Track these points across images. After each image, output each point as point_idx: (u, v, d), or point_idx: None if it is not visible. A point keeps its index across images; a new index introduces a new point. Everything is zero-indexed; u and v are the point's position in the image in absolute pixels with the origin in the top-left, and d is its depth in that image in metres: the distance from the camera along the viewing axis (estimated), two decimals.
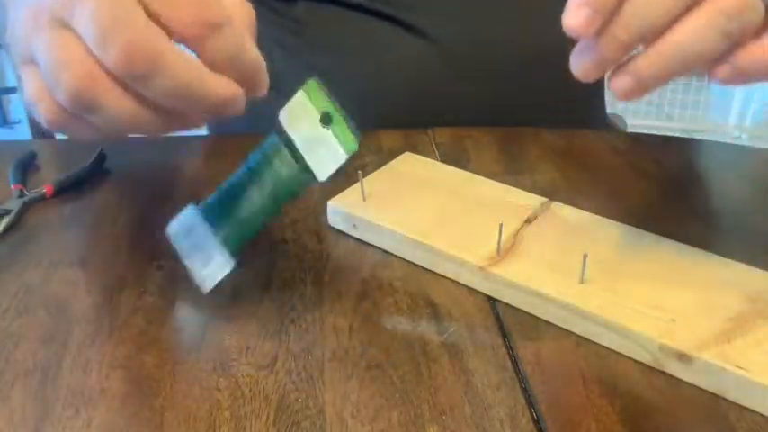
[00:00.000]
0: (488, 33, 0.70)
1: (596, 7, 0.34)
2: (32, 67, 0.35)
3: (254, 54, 0.36)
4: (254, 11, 0.38)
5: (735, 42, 0.35)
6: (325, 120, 0.38)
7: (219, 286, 0.44)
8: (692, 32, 0.34)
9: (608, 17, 0.35)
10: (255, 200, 0.41)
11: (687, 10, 0.35)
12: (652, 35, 0.35)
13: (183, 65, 0.33)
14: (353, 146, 0.39)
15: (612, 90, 0.37)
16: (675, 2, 0.34)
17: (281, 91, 0.76)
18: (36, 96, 0.35)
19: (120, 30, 0.31)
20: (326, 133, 0.38)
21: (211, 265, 0.40)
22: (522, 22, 0.71)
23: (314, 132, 0.38)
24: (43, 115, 0.35)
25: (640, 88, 0.36)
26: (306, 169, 0.40)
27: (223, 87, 0.34)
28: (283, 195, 0.41)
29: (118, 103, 0.33)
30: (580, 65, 0.37)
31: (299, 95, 0.38)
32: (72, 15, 0.33)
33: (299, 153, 0.40)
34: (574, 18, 0.35)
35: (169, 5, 0.32)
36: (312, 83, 0.38)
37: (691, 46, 0.35)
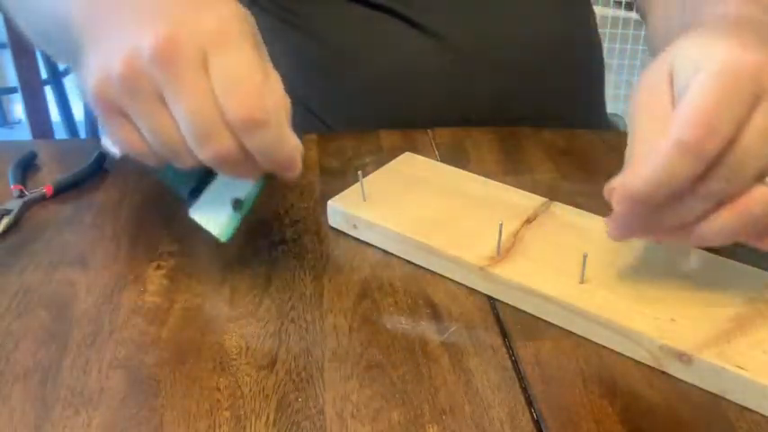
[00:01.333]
0: (491, 31, 0.70)
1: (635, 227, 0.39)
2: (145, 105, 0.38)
3: (289, 147, 0.39)
4: (289, 100, 0.41)
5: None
6: (236, 205, 0.44)
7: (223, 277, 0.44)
8: (724, 231, 0.37)
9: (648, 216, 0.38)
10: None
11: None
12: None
13: (281, 127, 0.38)
14: (226, 237, 0.45)
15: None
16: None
17: (286, 89, 0.75)
18: (130, 141, 0.40)
19: (247, 85, 0.37)
20: (228, 210, 0.44)
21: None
22: (524, 19, 0.71)
23: (222, 199, 0.44)
24: (126, 149, 0.41)
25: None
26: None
27: (295, 151, 0.40)
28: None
29: (231, 149, 0.38)
30: (610, 232, 0.41)
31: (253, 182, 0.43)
32: (214, 58, 0.37)
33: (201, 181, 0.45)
34: (613, 231, 0.41)
35: (228, 97, 0.37)
36: (264, 184, 0.43)
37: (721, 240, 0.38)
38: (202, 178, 0.45)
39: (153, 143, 0.39)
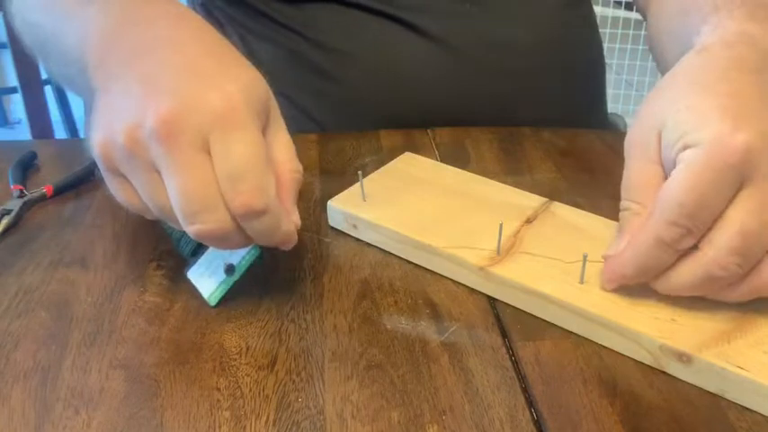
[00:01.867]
0: (490, 34, 0.70)
1: (630, 281, 0.42)
2: (144, 171, 0.38)
3: (284, 231, 0.41)
4: (300, 169, 0.42)
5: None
6: (228, 270, 0.45)
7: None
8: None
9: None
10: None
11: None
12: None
13: (278, 213, 0.40)
14: (214, 302, 0.45)
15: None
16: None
17: (284, 93, 0.76)
18: (128, 200, 0.41)
19: (250, 174, 0.37)
20: (220, 275, 0.45)
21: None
22: (524, 22, 0.71)
23: (217, 263, 0.45)
24: (124, 204, 0.41)
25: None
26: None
27: (291, 233, 0.41)
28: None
29: (224, 228, 0.39)
30: (603, 285, 0.43)
31: (250, 247, 0.44)
32: (217, 141, 0.37)
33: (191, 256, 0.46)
34: (609, 286, 0.43)
35: (229, 185, 0.37)
36: (258, 254, 0.44)
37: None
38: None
39: (149, 207, 0.40)
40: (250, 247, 0.44)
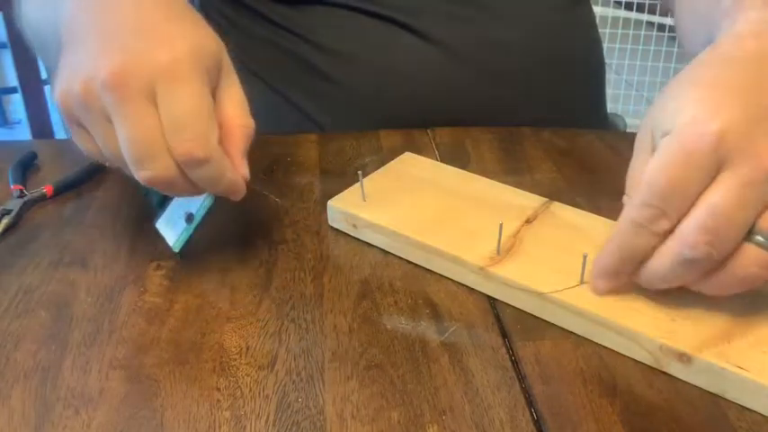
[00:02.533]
0: (490, 36, 0.70)
1: (613, 277, 0.42)
2: (99, 119, 0.41)
3: (227, 179, 0.43)
4: (252, 124, 0.45)
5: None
6: (188, 219, 0.47)
7: (216, 283, 0.44)
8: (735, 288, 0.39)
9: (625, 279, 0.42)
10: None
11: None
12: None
13: (221, 162, 0.42)
14: (177, 249, 0.48)
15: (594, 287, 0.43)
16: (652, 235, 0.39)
17: (283, 94, 0.76)
18: (87, 148, 0.43)
19: (192, 125, 0.40)
20: (181, 225, 0.48)
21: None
22: (525, 23, 0.71)
23: (179, 213, 0.48)
24: (86, 153, 0.44)
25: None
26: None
27: (236, 182, 0.44)
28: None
29: (169, 174, 0.41)
30: (595, 289, 0.43)
31: (205, 196, 0.46)
32: (162, 92, 0.40)
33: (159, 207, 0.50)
34: (596, 284, 0.43)
35: (173, 134, 0.40)
36: (212, 202, 0.47)
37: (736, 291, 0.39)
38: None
39: (104, 154, 0.43)
40: (205, 195, 0.46)
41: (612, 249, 0.41)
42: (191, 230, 0.47)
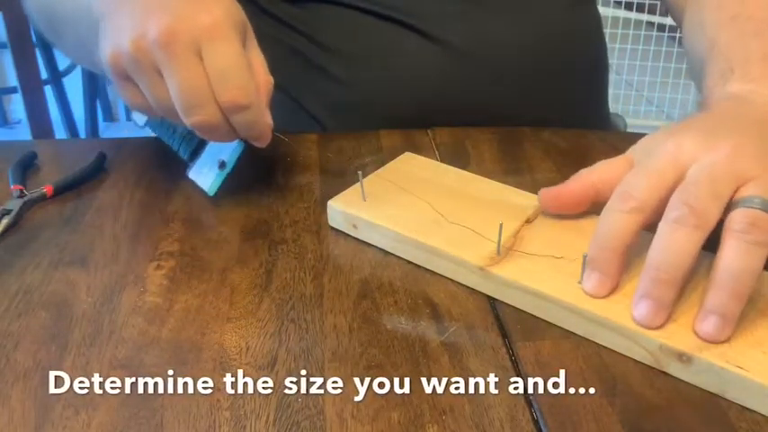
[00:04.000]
0: (493, 35, 0.70)
1: (601, 269, 0.42)
2: (154, 76, 0.47)
3: (263, 124, 0.49)
4: (272, 81, 0.50)
5: None
6: (221, 165, 0.54)
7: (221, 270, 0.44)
8: (730, 258, 0.39)
9: (617, 275, 0.43)
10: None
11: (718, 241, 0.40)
12: (689, 266, 0.40)
13: (259, 108, 0.48)
14: (212, 192, 0.55)
15: (705, 337, 0.40)
16: (694, 232, 0.40)
17: (286, 91, 0.76)
18: (135, 101, 0.49)
19: (235, 75, 0.46)
20: (215, 170, 0.54)
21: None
22: (526, 23, 0.71)
23: (212, 162, 0.54)
24: (132, 106, 0.50)
25: (729, 322, 0.39)
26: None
27: (267, 127, 0.50)
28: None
29: (215, 119, 0.47)
30: (640, 315, 0.41)
31: (237, 144, 0.53)
32: (207, 49, 0.45)
33: (199, 145, 0.56)
34: (587, 283, 0.43)
35: (219, 82, 0.46)
36: (243, 148, 0.53)
37: (741, 267, 0.39)
38: (199, 144, 0.55)
39: (153, 105, 0.48)
40: (236, 143, 0.52)
41: (593, 239, 0.43)
42: (224, 175, 0.53)
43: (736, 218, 0.40)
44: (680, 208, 0.40)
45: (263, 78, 0.49)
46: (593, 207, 0.49)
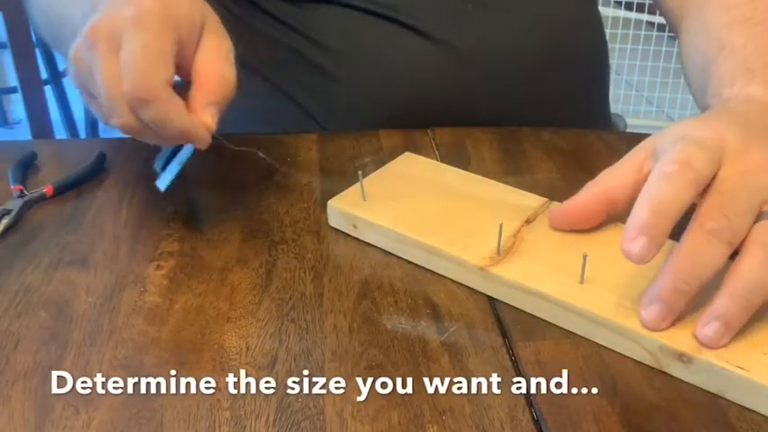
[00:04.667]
0: (492, 36, 0.70)
1: (652, 235, 0.38)
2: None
3: (177, 124, 0.43)
4: (224, 74, 0.46)
5: None
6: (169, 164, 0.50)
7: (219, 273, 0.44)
8: (751, 270, 0.38)
9: (662, 244, 0.39)
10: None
11: (738, 250, 0.39)
12: (711, 279, 0.39)
13: (168, 104, 0.43)
14: (163, 187, 0.50)
15: (704, 341, 0.39)
16: (724, 248, 0.39)
17: (285, 91, 0.76)
18: (102, 115, 0.46)
19: (137, 64, 0.42)
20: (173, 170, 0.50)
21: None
22: (527, 24, 0.71)
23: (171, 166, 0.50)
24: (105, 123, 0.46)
25: (731, 330, 0.39)
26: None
27: (190, 128, 0.44)
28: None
29: (129, 120, 0.44)
30: (650, 317, 0.40)
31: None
32: (123, 41, 0.42)
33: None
34: (633, 246, 0.39)
35: (124, 76, 0.42)
36: (191, 149, 0.49)
37: (759, 281, 0.38)
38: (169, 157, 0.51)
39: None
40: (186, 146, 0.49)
41: (643, 203, 0.40)
42: (172, 173, 0.49)
43: (762, 230, 0.39)
44: (718, 219, 0.39)
45: (212, 73, 0.45)
46: (609, 219, 0.48)
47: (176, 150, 0.51)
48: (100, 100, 0.44)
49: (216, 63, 0.46)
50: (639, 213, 0.39)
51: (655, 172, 0.41)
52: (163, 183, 0.50)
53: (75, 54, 0.44)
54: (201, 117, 0.44)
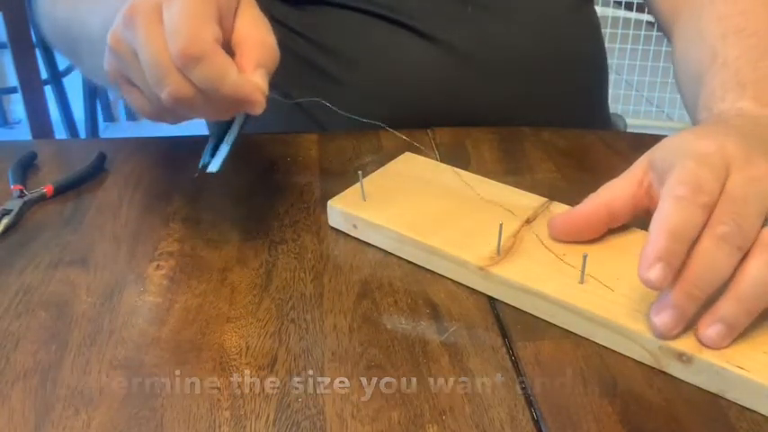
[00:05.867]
0: (493, 37, 0.70)
1: (669, 261, 0.39)
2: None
3: (231, 79, 0.42)
4: (265, 40, 0.45)
5: None
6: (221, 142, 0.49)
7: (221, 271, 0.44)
8: (757, 273, 0.38)
9: (679, 268, 0.39)
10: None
11: (745, 255, 0.39)
12: (722, 284, 0.39)
13: (219, 59, 0.42)
14: (215, 168, 0.48)
15: (706, 341, 0.39)
16: (735, 253, 0.39)
17: (286, 93, 0.76)
18: (137, 103, 0.46)
19: (183, 25, 0.41)
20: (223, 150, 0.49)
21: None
22: (527, 25, 0.71)
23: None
24: (139, 111, 0.46)
25: (733, 333, 0.39)
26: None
27: (244, 86, 0.43)
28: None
29: (183, 88, 0.42)
30: (662, 323, 0.40)
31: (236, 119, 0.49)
32: (164, 10, 0.42)
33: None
34: (651, 273, 0.39)
35: (170, 38, 0.41)
36: (243, 120, 0.49)
37: (764, 281, 0.39)
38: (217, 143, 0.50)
39: (147, 96, 0.44)
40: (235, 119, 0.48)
41: (659, 229, 0.40)
42: (224, 151, 0.48)
43: None
44: (729, 224, 0.39)
45: (253, 40, 0.45)
46: (608, 231, 0.48)
47: (223, 136, 0.50)
48: (147, 72, 0.42)
49: (258, 30, 0.45)
50: (656, 240, 0.39)
51: (666, 196, 0.40)
52: (215, 165, 0.48)
53: (112, 38, 0.43)
54: (252, 77, 0.43)
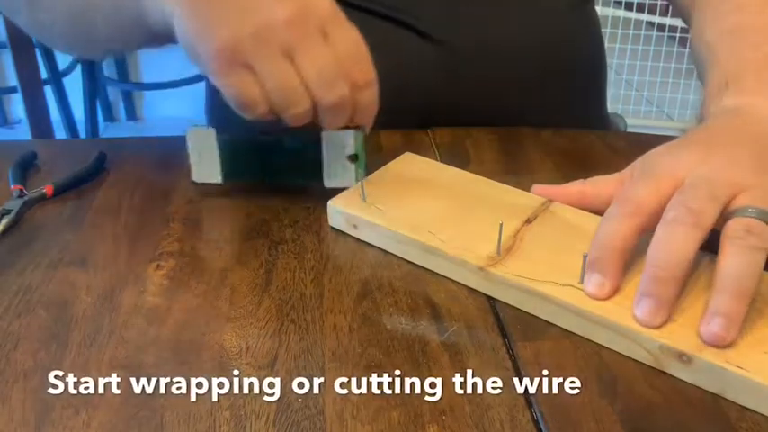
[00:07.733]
0: (493, 36, 0.70)
1: (600, 270, 0.43)
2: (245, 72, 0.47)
3: (377, 105, 0.51)
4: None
5: None
6: (352, 159, 0.54)
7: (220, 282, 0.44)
8: (731, 260, 0.40)
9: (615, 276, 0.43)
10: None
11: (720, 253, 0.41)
12: (688, 264, 0.41)
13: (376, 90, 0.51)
14: (356, 181, 0.54)
15: (712, 338, 0.39)
16: (691, 231, 0.41)
17: None
18: (247, 92, 0.47)
19: (362, 55, 0.50)
20: (349, 166, 0.54)
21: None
22: (527, 26, 0.71)
23: (337, 162, 0.54)
24: (240, 100, 0.48)
25: (733, 322, 0.39)
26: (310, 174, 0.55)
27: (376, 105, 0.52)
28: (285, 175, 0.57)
29: (346, 97, 0.49)
30: (642, 313, 0.41)
31: (350, 132, 0.53)
32: (333, 32, 0.48)
33: (315, 160, 0.55)
34: (587, 285, 0.43)
35: (351, 62, 0.48)
36: (363, 135, 0.54)
37: (740, 269, 0.40)
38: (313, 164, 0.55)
39: (272, 90, 0.47)
40: (351, 133, 0.53)
41: (593, 243, 0.44)
42: (362, 165, 0.54)
43: (732, 226, 0.42)
44: (677, 208, 0.42)
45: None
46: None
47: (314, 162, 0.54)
48: (309, 76, 0.47)
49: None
50: (591, 252, 0.44)
51: (606, 213, 0.45)
52: (353, 179, 0.54)
53: (259, 29, 0.46)
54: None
